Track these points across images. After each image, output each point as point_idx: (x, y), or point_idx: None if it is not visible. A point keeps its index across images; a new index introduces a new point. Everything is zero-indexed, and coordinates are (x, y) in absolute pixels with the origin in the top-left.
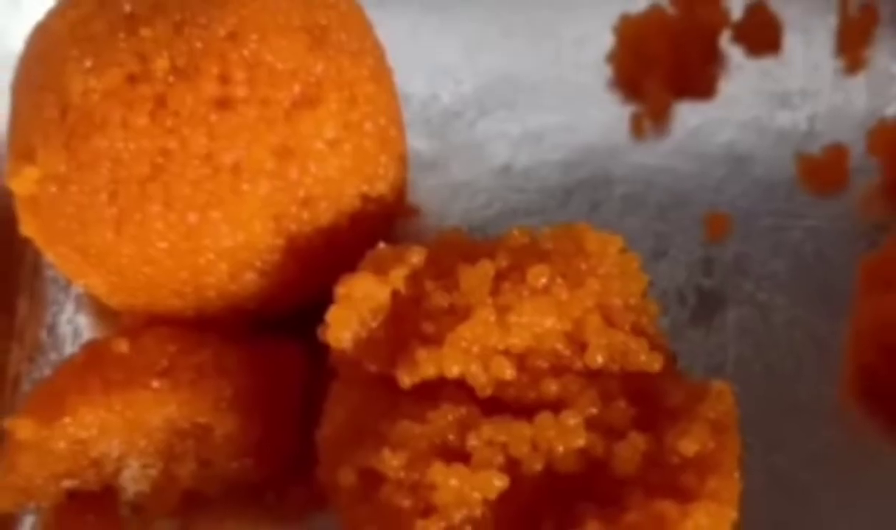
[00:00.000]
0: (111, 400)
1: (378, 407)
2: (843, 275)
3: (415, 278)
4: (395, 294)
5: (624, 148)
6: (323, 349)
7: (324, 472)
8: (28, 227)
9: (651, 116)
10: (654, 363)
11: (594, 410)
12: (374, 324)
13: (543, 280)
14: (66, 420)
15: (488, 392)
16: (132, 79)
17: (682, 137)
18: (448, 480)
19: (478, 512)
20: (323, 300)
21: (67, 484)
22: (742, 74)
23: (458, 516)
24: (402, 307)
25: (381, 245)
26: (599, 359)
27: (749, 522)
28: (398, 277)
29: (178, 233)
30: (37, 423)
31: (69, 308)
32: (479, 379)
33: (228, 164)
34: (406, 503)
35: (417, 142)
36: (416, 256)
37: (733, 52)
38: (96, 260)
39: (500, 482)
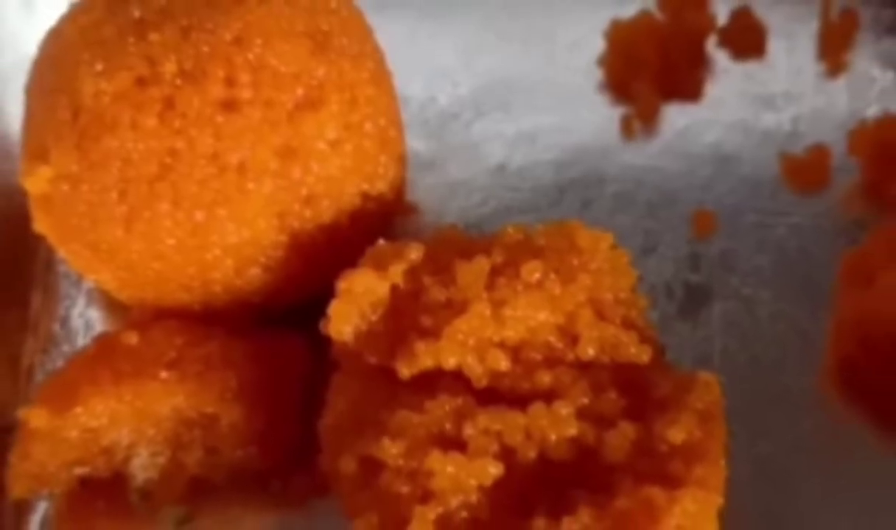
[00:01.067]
0: (121, 390)
1: (378, 398)
2: (824, 270)
3: (413, 273)
4: (394, 288)
5: (614, 148)
6: (325, 342)
7: (326, 460)
8: (41, 225)
9: (640, 118)
10: (644, 355)
11: (585, 400)
12: (374, 318)
13: (537, 275)
14: (78, 409)
15: (484, 383)
16: (141, 81)
17: (670, 138)
18: (445, 467)
19: (474, 498)
20: (325, 294)
21: (79, 471)
22: (728, 77)
23: (454, 502)
24: (401, 301)
25: (381, 241)
26: (591, 351)
27: (735, 508)
28: (397, 273)
29: (185, 231)
30: (50, 413)
31: (81, 302)
32: (475, 370)
33: (234, 164)
34: (405, 489)
35: (416, 143)
36: (415, 252)
37: (719, 56)
38: (107, 256)
39: (495, 469)
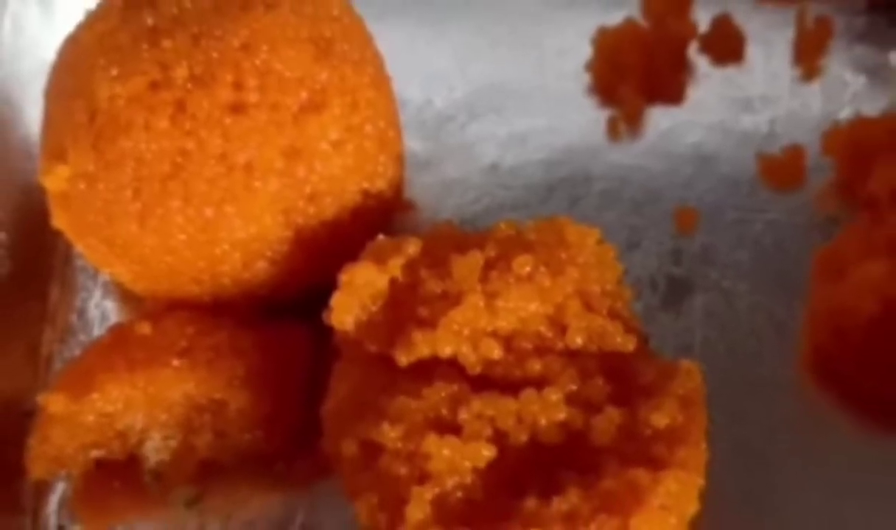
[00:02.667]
0: (135, 377)
1: (378, 384)
2: (799, 264)
3: (411, 267)
4: (393, 281)
5: (601, 148)
6: (328, 331)
7: (328, 443)
8: (59, 221)
9: (626, 120)
10: (629, 344)
11: (574, 387)
12: (374, 309)
13: (528, 268)
14: (94, 395)
15: (478, 370)
16: (154, 85)
17: (653, 139)
18: (441, 450)
19: (468, 479)
20: (328, 287)
21: (95, 453)
22: (708, 81)
23: (450, 483)
24: (399, 293)
25: (381, 237)
26: (579, 341)
27: (714, 488)
28: (396, 266)
29: (195, 226)
30: (67, 398)
31: (97, 294)
32: (470, 358)
33: (241, 163)
34: (403, 471)
35: (413, 143)
36: (413, 247)
37: (700, 62)
38: (122, 250)
39: (488, 452)
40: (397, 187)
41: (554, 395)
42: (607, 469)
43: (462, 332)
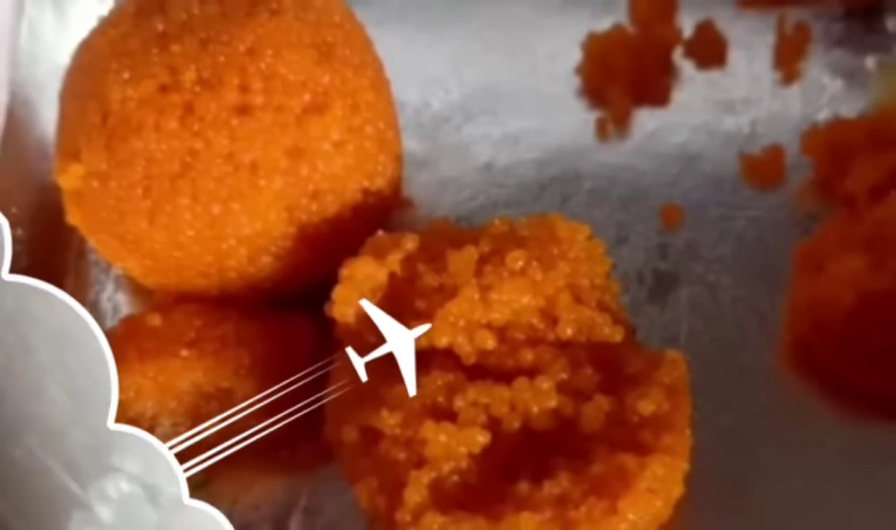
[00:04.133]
0: (146, 367)
1: (377, 374)
2: (781, 258)
3: (409, 262)
4: (391, 275)
5: (590, 148)
6: (329, 323)
7: (330, 430)
8: (73, 217)
9: (614, 121)
10: (617, 335)
11: (564, 376)
12: (373, 302)
13: (521, 263)
14: None
15: (473, 360)
16: (164, 88)
17: (641, 139)
18: (438, 436)
19: (464, 464)
20: (329, 280)
21: None
22: (693, 84)
23: (446, 467)
24: (398, 286)
25: (380, 233)
26: (569, 332)
27: (699, 472)
28: (394, 261)
29: (203, 223)
30: None
31: (109, 287)
32: (465, 348)
33: (247, 163)
34: (401, 456)
35: (411, 144)
36: (410, 243)
37: (685, 66)
38: (133, 246)
39: (483, 438)
40: (396, 186)
41: (545, 384)
42: (596, 454)
43: (458, 324)
